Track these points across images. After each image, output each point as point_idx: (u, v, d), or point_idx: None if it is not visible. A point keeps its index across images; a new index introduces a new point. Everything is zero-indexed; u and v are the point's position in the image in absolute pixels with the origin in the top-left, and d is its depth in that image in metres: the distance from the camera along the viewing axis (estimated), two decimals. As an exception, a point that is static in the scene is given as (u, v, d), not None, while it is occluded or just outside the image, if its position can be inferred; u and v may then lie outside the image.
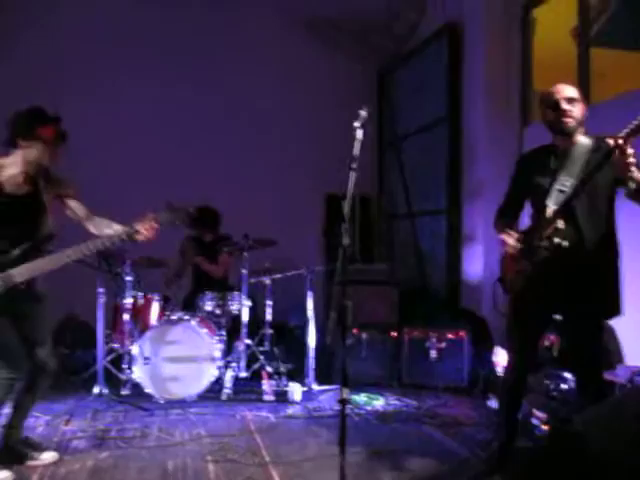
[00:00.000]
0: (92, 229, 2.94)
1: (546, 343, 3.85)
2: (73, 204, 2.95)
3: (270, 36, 6.15)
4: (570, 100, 2.56)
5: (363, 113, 2.28)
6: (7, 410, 2.91)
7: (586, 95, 4.27)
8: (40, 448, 3.00)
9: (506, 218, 2.88)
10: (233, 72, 6.09)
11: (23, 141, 2.72)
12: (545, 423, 3.28)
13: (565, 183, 2.52)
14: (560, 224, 2.50)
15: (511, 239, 2.67)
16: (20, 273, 2.69)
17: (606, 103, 4.14)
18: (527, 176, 2.73)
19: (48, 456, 2.97)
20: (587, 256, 2.54)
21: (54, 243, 2.86)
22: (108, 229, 2.89)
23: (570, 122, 2.56)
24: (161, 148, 5.84)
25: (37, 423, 3.47)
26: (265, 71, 6.18)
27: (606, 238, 2.58)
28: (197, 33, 6.00)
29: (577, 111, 2.56)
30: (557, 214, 2.52)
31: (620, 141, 2.24)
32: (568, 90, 2.58)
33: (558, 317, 2.81)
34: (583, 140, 2.59)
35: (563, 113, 2.55)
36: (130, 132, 5.81)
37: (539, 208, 2.64)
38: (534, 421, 3.35)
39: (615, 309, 2.63)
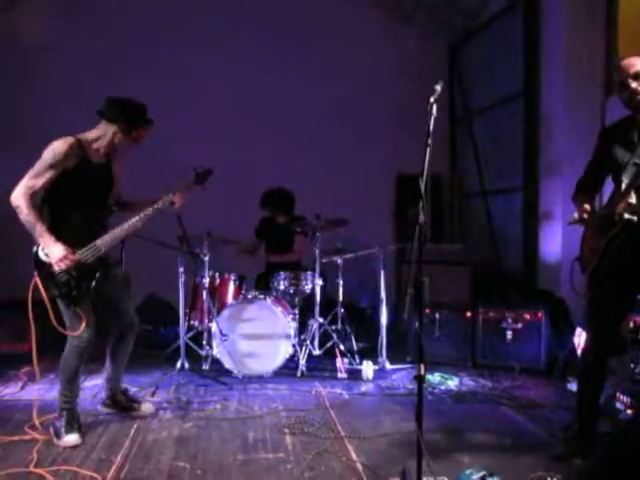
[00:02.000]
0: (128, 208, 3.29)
1: (631, 325, 3.68)
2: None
3: (343, 13, 6.11)
4: (637, 75, 2.45)
5: (438, 88, 2.24)
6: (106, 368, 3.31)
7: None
8: (138, 400, 3.40)
9: (585, 192, 2.79)
10: (306, 52, 6.11)
11: (117, 126, 2.98)
12: (629, 408, 3.15)
13: None
14: (633, 199, 2.40)
15: (584, 210, 2.63)
16: (104, 242, 2.98)
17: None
18: (608, 149, 2.62)
19: (146, 407, 3.37)
20: None
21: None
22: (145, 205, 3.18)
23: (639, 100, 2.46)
24: (235, 131, 5.97)
25: (126, 394, 3.71)
26: (338, 49, 6.15)
27: None
28: (269, 13, 6.04)
29: None
30: (629, 188, 2.43)
31: None
32: (633, 66, 2.46)
33: None
34: None
35: (633, 92, 2.46)
36: (204, 114, 5.97)
37: (617, 183, 2.54)
38: (618, 405, 3.23)
39: None
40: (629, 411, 3.14)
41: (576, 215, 2.67)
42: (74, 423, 3.01)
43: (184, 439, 3.02)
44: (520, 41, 5.21)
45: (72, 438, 2.95)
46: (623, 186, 2.48)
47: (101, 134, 3.00)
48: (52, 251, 2.83)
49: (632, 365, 3.36)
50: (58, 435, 2.96)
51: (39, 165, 2.83)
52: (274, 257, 5.03)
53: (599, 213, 2.64)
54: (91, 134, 3.00)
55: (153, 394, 3.71)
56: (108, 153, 3.07)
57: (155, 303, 5.26)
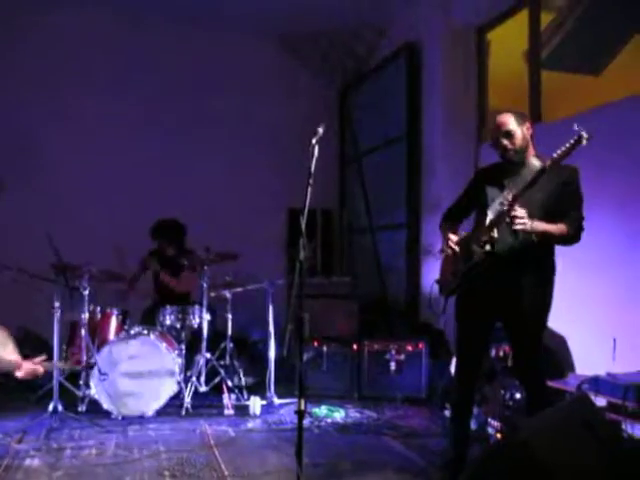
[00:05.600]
0: None
1: (501, 353, 3.97)
2: None
3: (233, 53, 6.20)
4: (507, 134, 2.73)
5: (320, 130, 2.36)
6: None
7: (537, 115, 4.47)
8: None
9: (451, 221, 3.07)
10: (198, 89, 6.11)
11: None
12: (499, 432, 3.37)
13: (507, 198, 2.65)
14: (495, 233, 2.68)
15: (452, 242, 2.86)
16: None
17: (557, 123, 4.33)
18: (481, 188, 2.88)
19: None
20: (516, 267, 2.71)
21: None
22: None
23: (511, 155, 2.75)
24: (125, 163, 5.80)
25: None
26: (228, 86, 6.22)
27: (541, 255, 2.73)
28: (160, 48, 5.99)
29: (517, 141, 2.73)
30: (492, 224, 2.70)
31: (510, 198, 2.57)
32: (504, 125, 2.74)
33: (499, 324, 2.94)
34: (533, 162, 2.74)
35: (504, 149, 2.75)
36: (95, 145, 5.76)
37: (481, 217, 2.82)
38: (489, 430, 3.44)
39: (538, 324, 2.76)
40: (499, 435, 3.36)
41: (444, 247, 2.89)
42: None
43: (52, 489, 2.80)
44: (403, 88, 5.57)
45: None
46: (487, 220, 2.73)
47: None
48: None
49: (502, 391, 3.60)
50: None
51: None
52: (163, 275, 4.83)
53: (462, 241, 2.87)
54: None
55: (20, 441, 3.41)
56: None
57: (27, 339, 4.86)
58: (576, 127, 2.41)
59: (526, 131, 2.75)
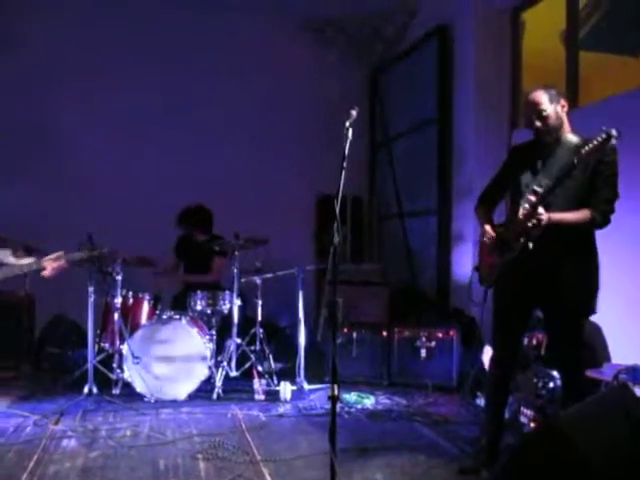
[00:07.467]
0: None
1: (534, 342, 3.90)
2: None
3: (263, 37, 6.16)
4: (539, 114, 2.63)
5: (353, 113, 2.32)
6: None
7: (574, 98, 4.34)
8: None
9: (487, 204, 2.97)
10: (225, 73, 6.09)
11: None
12: (533, 421, 3.32)
13: (541, 184, 2.56)
14: (530, 225, 2.56)
15: (488, 234, 2.78)
16: None
17: (593, 106, 4.20)
18: (515, 168, 2.81)
19: None
20: (557, 256, 2.63)
21: None
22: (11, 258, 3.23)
23: (544, 136, 2.66)
24: (154, 149, 5.85)
25: (25, 423, 3.47)
26: (258, 72, 6.19)
27: (579, 239, 2.65)
28: (189, 33, 5.99)
29: (551, 121, 2.63)
30: (528, 215, 2.59)
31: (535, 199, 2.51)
32: (536, 104, 2.63)
33: (539, 314, 2.88)
34: (570, 139, 2.64)
35: (537, 130, 2.66)
36: (124, 133, 5.81)
37: (515, 205, 2.73)
38: (522, 419, 3.39)
39: (587, 308, 2.69)
40: (532, 424, 3.31)
41: (487, 238, 2.82)
42: None
43: (89, 470, 2.85)
44: (434, 71, 5.47)
45: None
46: (521, 211, 2.63)
47: None
48: None
49: (535, 380, 3.54)
50: None
51: None
52: (192, 277, 4.92)
53: (497, 231, 2.79)
54: None
55: (57, 422, 3.49)
56: None
57: (63, 324, 4.97)
58: (604, 128, 2.34)
59: (560, 109, 2.64)
